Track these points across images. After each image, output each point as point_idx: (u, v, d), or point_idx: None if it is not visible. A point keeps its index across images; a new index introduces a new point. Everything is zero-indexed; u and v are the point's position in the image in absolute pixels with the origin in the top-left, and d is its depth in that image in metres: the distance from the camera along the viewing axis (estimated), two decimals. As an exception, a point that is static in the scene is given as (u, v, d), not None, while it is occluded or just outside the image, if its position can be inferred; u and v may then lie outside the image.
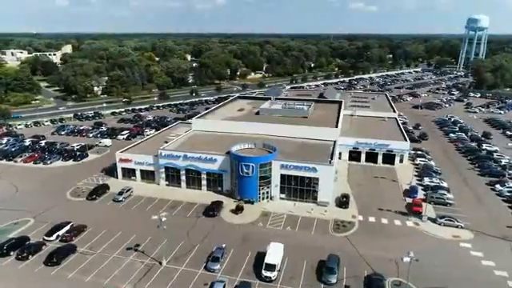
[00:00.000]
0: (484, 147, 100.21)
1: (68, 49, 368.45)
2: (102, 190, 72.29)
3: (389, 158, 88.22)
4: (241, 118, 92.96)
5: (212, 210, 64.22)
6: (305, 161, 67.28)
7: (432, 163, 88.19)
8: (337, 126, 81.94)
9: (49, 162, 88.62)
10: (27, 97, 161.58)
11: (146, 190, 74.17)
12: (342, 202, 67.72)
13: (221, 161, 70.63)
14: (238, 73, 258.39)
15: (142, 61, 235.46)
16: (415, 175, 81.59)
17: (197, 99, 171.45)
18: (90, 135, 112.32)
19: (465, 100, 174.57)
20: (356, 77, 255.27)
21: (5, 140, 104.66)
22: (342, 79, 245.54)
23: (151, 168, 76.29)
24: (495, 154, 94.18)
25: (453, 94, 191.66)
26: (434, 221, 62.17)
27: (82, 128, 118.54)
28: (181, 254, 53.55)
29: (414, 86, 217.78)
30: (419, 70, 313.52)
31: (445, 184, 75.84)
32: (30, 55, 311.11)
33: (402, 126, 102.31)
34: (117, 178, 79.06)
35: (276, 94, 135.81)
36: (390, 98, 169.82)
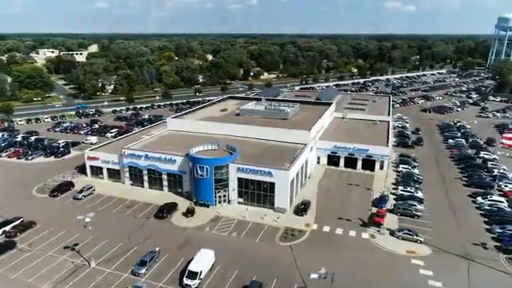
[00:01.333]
0: (482, 155, 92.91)
1: (94, 48, 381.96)
2: (65, 187, 72.99)
3: (369, 163, 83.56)
4: (217, 118, 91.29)
5: (163, 211, 63.01)
6: (261, 165, 64.62)
7: (415, 171, 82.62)
8: (309, 129, 78.28)
9: (30, 157, 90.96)
10: (38, 94, 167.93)
11: (110, 188, 74.16)
12: (300, 209, 64.46)
13: (180, 162, 69.31)
14: (252, 73, 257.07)
15: (158, 60, 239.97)
16: (393, 183, 76.71)
17: (200, 99, 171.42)
18: (82, 132, 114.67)
19: (481, 104, 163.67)
20: (372, 78, 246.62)
21: (0, 135, 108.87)
22: (356, 80, 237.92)
23: (117, 167, 76.28)
24: (490, 163, 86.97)
25: (471, 98, 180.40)
26: (392, 233, 57.81)
27: (75, 125, 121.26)
28: (115, 255, 52.67)
29: (431, 89, 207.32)
30: (444, 71, 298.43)
31: (419, 194, 70.57)
32: (57, 54, 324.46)
33: (391, 131, 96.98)
34: (86, 175, 79.84)
35: (272, 94, 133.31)
36: (400, 101, 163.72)
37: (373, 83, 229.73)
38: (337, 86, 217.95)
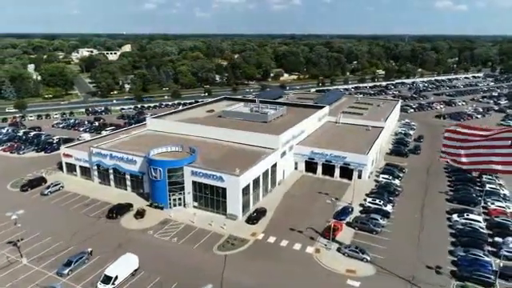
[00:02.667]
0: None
1: (127, 48, 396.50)
2: (37, 182, 75.27)
3: (348, 172, 78.85)
4: (196, 120, 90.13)
5: (113, 212, 62.97)
6: (213, 169, 62.74)
7: (396, 182, 76.84)
8: (279, 134, 75.14)
9: (22, 152, 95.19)
10: (58, 91, 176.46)
11: (79, 186, 75.53)
12: (253, 217, 61.88)
13: (140, 162, 69.05)
14: (272, 74, 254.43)
15: (180, 60, 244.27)
16: (367, 194, 71.71)
17: (210, 99, 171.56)
18: (81, 129, 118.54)
19: (508, 111, 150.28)
20: (397, 81, 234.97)
21: (4, 129, 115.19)
22: (378, 83, 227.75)
23: (87, 165, 77.56)
24: (485, 177, 79.01)
25: (498, 104, 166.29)
26: (340, 249, 53.76)
27: (76, 122, 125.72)
28: (50, 253, 53.12)
29: (457, 93, 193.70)
30: (480, 75, 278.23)
31: (388, 207, 65.32)
32: (90, 54, 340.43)
33: (381, 137, 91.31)
34: (63, 172, 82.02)
35: (273, 96, 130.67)
36: (416, 106, 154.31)
37: (396, 86, 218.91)
38: (356, 88, 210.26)
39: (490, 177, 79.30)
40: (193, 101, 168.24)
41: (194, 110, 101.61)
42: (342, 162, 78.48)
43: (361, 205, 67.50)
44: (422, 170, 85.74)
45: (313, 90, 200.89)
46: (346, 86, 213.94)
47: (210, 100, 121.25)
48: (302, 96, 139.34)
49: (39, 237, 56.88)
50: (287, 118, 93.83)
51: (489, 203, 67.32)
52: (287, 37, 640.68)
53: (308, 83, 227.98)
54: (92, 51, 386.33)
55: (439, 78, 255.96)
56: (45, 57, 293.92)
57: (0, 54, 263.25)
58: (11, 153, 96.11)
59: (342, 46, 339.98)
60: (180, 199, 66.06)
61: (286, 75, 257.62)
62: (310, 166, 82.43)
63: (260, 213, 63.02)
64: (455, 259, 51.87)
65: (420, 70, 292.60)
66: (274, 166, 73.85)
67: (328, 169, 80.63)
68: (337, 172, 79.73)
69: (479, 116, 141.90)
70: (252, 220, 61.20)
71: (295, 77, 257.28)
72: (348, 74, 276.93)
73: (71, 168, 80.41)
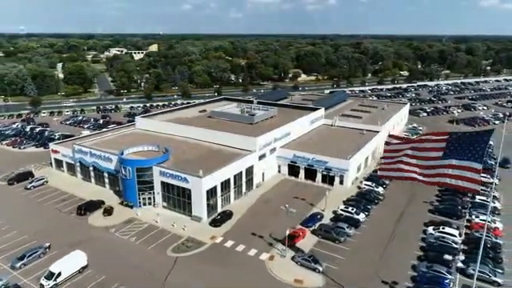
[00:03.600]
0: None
1: (154, 48, 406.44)
2: (24, 176, 78.21)
3: (331, 177, 76.16)
4: (184, 120, 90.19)
5: (81, 209, 64.13)
6: (178, 170, 62.45)
7: (379, 189, 73.24)
8: (257, 136, 73.72)
9: (22, 147, 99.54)
10: (75, 89, 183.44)
11: (63, 181, 77.74)
12: (217, 219, 61.07)
13: (115, 160, 70.01)
14: (290, 74, 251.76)
15: (200, 60, 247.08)
16: (344, 201, 68.82)
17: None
18: (85, 126, 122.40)
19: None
20: (419, 83, 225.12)
21: (15, 125, 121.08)
22: (398, 85, 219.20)
23: (72, 161, 79.70)
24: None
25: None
26: (294, 257, 51.78)
27: (83, 119, 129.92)
28: (12, 247, 54.71)
29: (481, 97, 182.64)
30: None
31: (360, 216, 62.26)
32: (119, 53, 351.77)
33: (373, 142, 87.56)
34: (52, 167, 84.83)
35: (277, 97, 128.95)
36: (430, 109, 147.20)
37: (416, 89, 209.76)
38: (373, 90, 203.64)
39: (485, 188, 73.76)
40: (201, 100, 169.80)
41: (186, 110, 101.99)
42: (324, 167, 75.87)
43: (334, 212, 64.87)
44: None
45: (327, 91, 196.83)
46: (362, 88, 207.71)
47: (209, 100, 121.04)
48: (307, 97, 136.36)
49: (6, 230, 58.88)
50: (277, 119, 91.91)
51: (473, 216, 62.60)
52: (319, 37, 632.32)
53: (325, 84, 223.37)
54: (122, 50, 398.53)
55: (466, 80, 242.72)
56: (74, 55, 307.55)
57: (30, 52, 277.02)
58: (13, 147, 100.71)
59: (368, 47, 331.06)
60: (150, 198, 66.36)
61: (304, 76, 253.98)
62: (293, 169, 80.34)
63: (226, 216, 62.05)
64: (416, 275, 48.55)
65: (448, 71, 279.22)
66: (251, 168, 72.58)
67: (310, 173, 78.25)
68: (318, 177, 77.19)
69: (497, 122, 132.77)
70: (215, 223, 60.37)
71: (313, 78, 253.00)
72: (370, 75, 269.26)
73: (60, 164, 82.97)
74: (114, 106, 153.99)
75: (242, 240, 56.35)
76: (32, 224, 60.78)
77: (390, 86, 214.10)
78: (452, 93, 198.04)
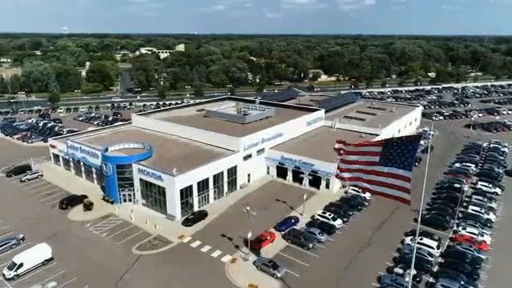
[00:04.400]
0: (479, 186, 74.22)
1: (181, 48, 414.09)
2: (22, 169, 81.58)
3: (317, 180, 73.98)
4: (179, 119, 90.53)
5: (63, 203, 65.88)
6: (153, 168, 62.77)
7: (365, 195, 70.16)
8: (240, 136, 72.81)
9: (30, 141, 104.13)
10: (96, 86, 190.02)
11: (57, 175, 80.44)
12: (190, 219, 60.84)
13: (101, 156, 71.46)
14: (311, 75, 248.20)
15: (221, 59, 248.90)
16: (327, 206, 66.46)
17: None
18: (95, 123, 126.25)
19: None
20: (444, 85, 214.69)
21: (30, 120, 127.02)
22: (421, 87, 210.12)
23: (67, 156, 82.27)
24: (475, 198, 68.85)
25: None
26: (255, 262, 50.50)
27: (96, 116, 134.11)
28: (-8, 237, 57.30)
29: (509, 101, 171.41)
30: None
31: (337, 222, 59.88)
32: (145, 52, 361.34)
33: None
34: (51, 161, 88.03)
35: (284, 97, 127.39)
36: (448, 113, 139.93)
37: (440, 91, 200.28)
38: (394, 92, 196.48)
39: (482, 198, 68.85)
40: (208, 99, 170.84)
41: (184, 109, 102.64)
42: (310, 170, 73.75)
43: (312, 217, 62.81)
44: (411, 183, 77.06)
45: (343, 92, 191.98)
46: (382, 90, 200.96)
47: (212, 99, 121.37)
48: (315, 98, 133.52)
49: (-9, 220, 61.67)
50: (273, 120, 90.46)
51: (460, 228, 58.49)
52: (352, 37, 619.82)
53: (345, 85, 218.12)
54: (151, 50, 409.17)
55: (498, 83, 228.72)
56: (102, 54, 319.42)
57: (62, 52, 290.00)
58: (23, 141, 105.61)
59: (396, 47, 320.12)
60: (130, 195, 67.21)
61: (324, 77, 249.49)
62: (282, 171, 78.72)
63: (199, 216, 61.70)
64: (377, 286, 45.95)
65: (480, 73, 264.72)
66: (234, 168, 71.80)
67: (298, 176, 76.37)
68: (305, 180, 75.17)
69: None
70: (187, 222, 60.15)
71: (334, 78, 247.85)
72: (394, 76, 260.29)
73: (57, 158, 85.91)
74: (127, 104, 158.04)
75: (210, 241, 55.71)
76: (16, 215, 63.16)
77: (411, 88, 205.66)
78: (478, 96, 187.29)
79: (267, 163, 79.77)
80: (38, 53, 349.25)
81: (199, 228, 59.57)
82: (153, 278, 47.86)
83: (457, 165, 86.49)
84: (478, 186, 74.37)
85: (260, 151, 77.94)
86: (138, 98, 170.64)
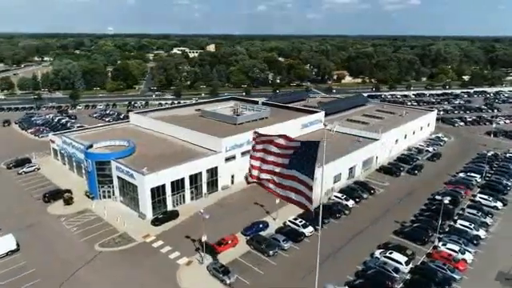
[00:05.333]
0: (477, 198, 68.34)
1: (211, 48, 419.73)
2: (21, 162, 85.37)
3: (301, 185, 71.36)
4: (172, 118, 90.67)
5: (47, 196, 68.00)
6: (126, 165, 63.19)
7: (349, 203, 66.61)
8: (222, 137, 71.72)
9: (40, 135, 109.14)
10: (119, 84, 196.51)
11: (53, 169, 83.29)
12: (159, 218, 60.66)
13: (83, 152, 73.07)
14: (335, 76, 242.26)
15: (246, 60, 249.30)
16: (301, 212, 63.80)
17: (246, 99, 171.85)
18: (106, 119, 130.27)
19: None
20: (476, 89, 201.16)
21: (47, 115, 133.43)
22: (450, 91, 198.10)
23: (63, 151, 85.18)
24: (468, 211, 63.31)
25: None
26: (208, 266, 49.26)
27: (107, 113, 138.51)
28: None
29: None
30: None
31: (306, 230, 57.25)
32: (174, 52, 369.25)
33: (363, 150, 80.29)
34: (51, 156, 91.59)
35: (293, 98, 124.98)
36: (472, 119, 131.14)
37: (470, 95, 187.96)
38: (418, 95, 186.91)
39: (476, 212, 63.15)
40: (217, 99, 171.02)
41: (182, 109, 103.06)
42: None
43: (284, 223, 60.56)
44: (400, 193, 72.57)
45: (365, 95, 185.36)
46: (406, 92, 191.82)
47: (216, 99, 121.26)
48: (325, 100, 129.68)
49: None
50: (268, 121, 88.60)
51: (441, 244, 53.87)
52: (392, 38, 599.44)
53: (368, 87, 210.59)
54: (183, 50, 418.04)
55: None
56: (133, 54, 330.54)
57: (97, 51, 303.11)
58: (35, 135, 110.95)
59: (432, 48, 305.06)
60: (109, 192, 68.23)
61: (349, 78, 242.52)
62: (268, 174, 76.74)
63: (169, 216, 61.37)
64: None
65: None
66: (215, 169, 70.90)
67: (283, 179, 74.09)
68: (290, 184, 72.73)
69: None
70: (156, 222, 60.00)
71: (359, 80, 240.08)
72: (425, 78, 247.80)
73: (56, 153, 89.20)
74: (143, 103, 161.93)
75: (173, 242, 55.14)
76: (0, 206, 66.03)
77: (439, 92, 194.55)
78: (507, 101, 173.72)
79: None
80: (77, 52, 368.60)
81: (167, 228, 59.22)
82: (102, 276, 48.01)
83: (461, 175, 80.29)
84: (477, 199, 68.44)
85: (246, 153, 76.34)
86: (154, 96, 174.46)
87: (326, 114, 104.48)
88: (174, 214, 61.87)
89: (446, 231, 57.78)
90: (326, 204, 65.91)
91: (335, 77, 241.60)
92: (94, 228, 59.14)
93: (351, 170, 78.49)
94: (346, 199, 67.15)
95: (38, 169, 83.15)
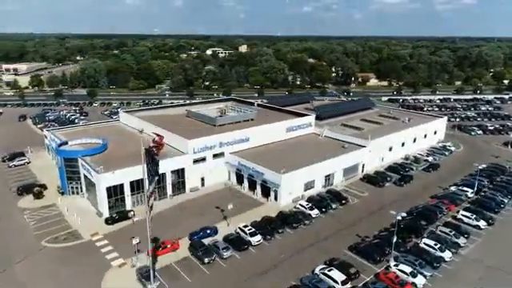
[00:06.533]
0: (459, 216, 61.73)
1: (243, 48, 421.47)
2: (16, 156, 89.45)
3: (268, 191, 68.66)
4: (156, 118, 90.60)
5: (20, 189, 70.58)
6: (89, 162, 63.97)
7: (314, 212, 62.69)
8: (189, 138, 70.57)
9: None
10: (141, 83, 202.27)
11: (41, 164, 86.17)
12: (112, 217, 60.74)
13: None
14: (360, 78, 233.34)
15: (269, 60, 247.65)
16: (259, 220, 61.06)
17: (260, 100, 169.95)
18: (114, 117, 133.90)
19: None
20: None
21: (62, 112, 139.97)
22: (481, 96, 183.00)
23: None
24: (440, 229, 57.27)
25: None
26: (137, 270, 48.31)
27: (116, 111, 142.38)
28: None
29: None
30: None
31: (253, 239, 54.50)
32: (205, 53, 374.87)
33: (339, 158, 75.77)
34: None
35: (294, 101, 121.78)
36: (493, 127, 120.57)
37: (504, 101, 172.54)
38: (443, 100, 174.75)
39: (449, 230, 56.91)
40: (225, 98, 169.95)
41: (173, 109, 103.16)
42: (261, 179, 68.65)
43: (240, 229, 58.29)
44: (375, 205, 67.34)
45: (384, 98, 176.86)
46: (431, 97, 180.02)
47: (214, 99, 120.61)
48: (324, 103, 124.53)
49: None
50: (251, 123, 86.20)
51: (392, 263, 49.04)
52: (441, 39, 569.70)
53: (390, 91, 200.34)
54: (215, 50, 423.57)
55: None
56: (163, 54, 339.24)
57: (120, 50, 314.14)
58: (41, 130, 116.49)
59: (471, 50, 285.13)
60: (77, 188, 69.58)
61: (374, 80, 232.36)
62: (240, 178, 74.67)
63: (123, 215, 61.27)
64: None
65: None
66: (182, 171, 70.00)
67: (253, 184, 71.69)
68: (258, 189, 70.24)
69: None
70: (109, 221, 60.14)
71: (386, 83, 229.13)
72: (459, 82, 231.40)
73: (48, 148, 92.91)
74: (156, 101, 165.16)
75: (117, 242, 54.75)
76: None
77: (468, 97, 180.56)
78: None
79: (228, 169, 76.31)
80: (116, 52, 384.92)
81: (118, 227, 59.14)
82: (36, 271, 48.53)
83: (452, 188, 73.28)
84: (459, 216, 61.89)
85: (218, 155, 74.87)
86: (167, 95, 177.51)
87: (322, 118, 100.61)
88: (128, 214, 61.68)
89: (405, 250, 52.57)
90: (284, 212, 62.89)
91: (360, 79, 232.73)
92: (51, 223, 60.34)
93: (328, 177, 74.22)
94: (311, 208, 63.40)
95: (28, 163, 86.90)
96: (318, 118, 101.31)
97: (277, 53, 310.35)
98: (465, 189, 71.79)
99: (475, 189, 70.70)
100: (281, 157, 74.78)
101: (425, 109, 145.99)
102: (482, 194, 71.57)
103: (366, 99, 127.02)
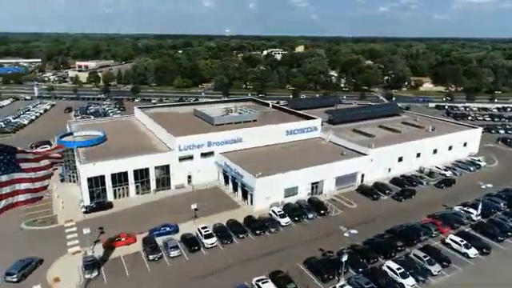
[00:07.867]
0: (448, 241, 54.31)
1: (300, 49, 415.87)
2: (41, 144, 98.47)
3: (246, 193, 67.05)
4: (164, 115, 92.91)
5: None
6: (77, 154, 67.96)
7: (284, 220, 59.71)
8: (176, 136, 71.29)
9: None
10: (184, 82, 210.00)
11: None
12: (90, 206, 63.99)
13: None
14: (413, 82, 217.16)
15: (319, 61, 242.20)
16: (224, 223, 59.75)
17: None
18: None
19: None
20: None
21: (103, 106, 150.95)
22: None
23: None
24: (414, 253, 50.72)
25: None
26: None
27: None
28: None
29: None
30: None
31: (208, 241, 53.51)
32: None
33: (331, 165, 71.02)
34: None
35: (317, 104, 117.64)
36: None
37: None
38: (501, 109, 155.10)
39: (424, 255, 50.19)
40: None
41: (186, 107, 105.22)
42: (241, 182, 67.16)
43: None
44: (359, 219, 61.84)
45: (432, 105, 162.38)
46: (488, 105, 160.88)
47: (234, 99, 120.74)
48: (340, 108, 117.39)
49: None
50: (251, 125, 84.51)
51: (338, 285, 44.68)
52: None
53: (441, 96, 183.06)
54: (272, 51, 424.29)
55: None
56: (219, 53, 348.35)
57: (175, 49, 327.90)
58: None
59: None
60: (74, 176, 74.41)
61: (429, 85, 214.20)
62: (227, 179, 73.85)
63: (101, 206, 64.05)
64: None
65: None
66: (167, 167, 71.21)
67: (236, 186, 70.47)
68: (239, 191, 68.87)
69: None
70: (86, 209, 63.28)
71: (443, 88, 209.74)
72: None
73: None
74: (193, 99, 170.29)
75: (83, 230, 57.34)
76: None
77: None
78: None
79: (217, 168, 75.94)
80: (180, 51, 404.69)
81: (92, 217, 61.94)
82: (1, 253, 52.45)
83: (456, 208, 64.75)
84: (447, 241, 54.45)
85: (207, 154, 74.82)
86: (203, 94, 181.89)
87: (335, 123, 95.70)
88: (105, 205, 64.37)
89: (365, 271, 47.58)
90: (252, 217, 60.76)
91: (412, 83, 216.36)
92: (38, 207, 64.37)
93: (316, 185, 70.05)
94: (282, 216, 60.45)
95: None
96: (330, 122, 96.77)
97: (330, 53, 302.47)
98: (470, 210, 62.96)
99: (478, 211, 61.46)
100: (271, 160, 72.45)
101: (469, 118, 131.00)
102: (492, 217, 62.16)
103: (393, 104, 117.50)
